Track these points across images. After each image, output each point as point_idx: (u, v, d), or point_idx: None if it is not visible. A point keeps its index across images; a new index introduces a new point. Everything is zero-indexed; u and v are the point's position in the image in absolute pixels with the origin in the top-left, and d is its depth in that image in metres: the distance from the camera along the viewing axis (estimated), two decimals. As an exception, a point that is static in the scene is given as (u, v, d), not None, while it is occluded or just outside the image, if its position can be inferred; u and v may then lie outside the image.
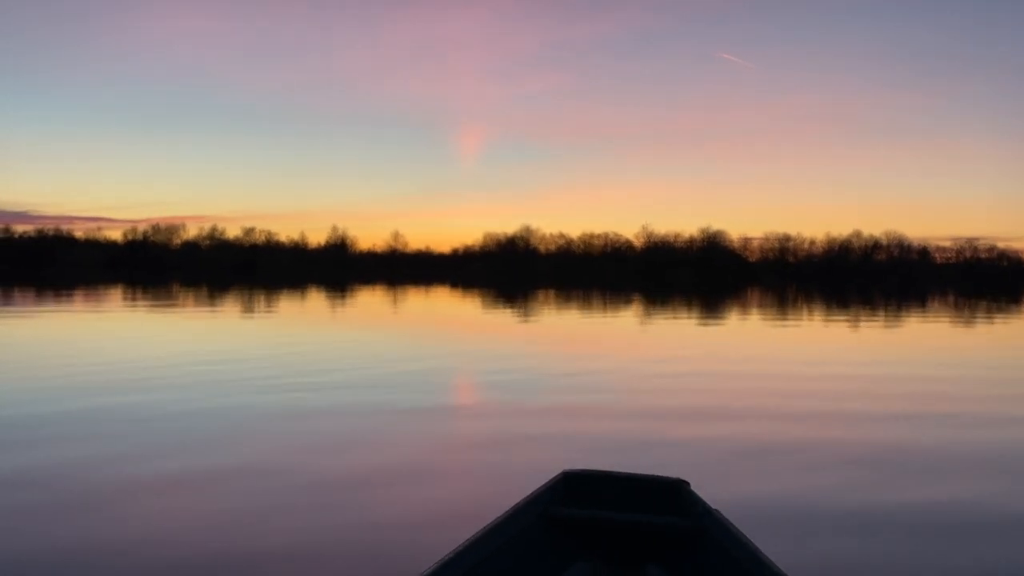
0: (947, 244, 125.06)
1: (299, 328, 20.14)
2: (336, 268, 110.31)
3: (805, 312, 32.03)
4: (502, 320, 25.06)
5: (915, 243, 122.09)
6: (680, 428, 7.63)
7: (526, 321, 24.29)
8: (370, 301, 36.18)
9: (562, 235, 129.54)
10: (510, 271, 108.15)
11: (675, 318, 26.75)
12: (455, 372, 12.07)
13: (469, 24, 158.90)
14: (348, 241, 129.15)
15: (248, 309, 27.83)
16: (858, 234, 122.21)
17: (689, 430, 7.53)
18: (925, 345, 18.11)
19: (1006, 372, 12.95)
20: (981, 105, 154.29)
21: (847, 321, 26.35)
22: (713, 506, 3.57)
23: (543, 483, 3.90)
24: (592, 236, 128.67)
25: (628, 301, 39.39)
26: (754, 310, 33.10)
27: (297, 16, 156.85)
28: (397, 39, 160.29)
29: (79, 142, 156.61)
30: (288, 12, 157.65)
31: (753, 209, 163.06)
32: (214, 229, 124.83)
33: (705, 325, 23.81)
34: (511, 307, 32.58)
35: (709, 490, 4.26)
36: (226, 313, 25.56)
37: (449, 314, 28.30)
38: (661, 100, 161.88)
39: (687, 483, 3.88)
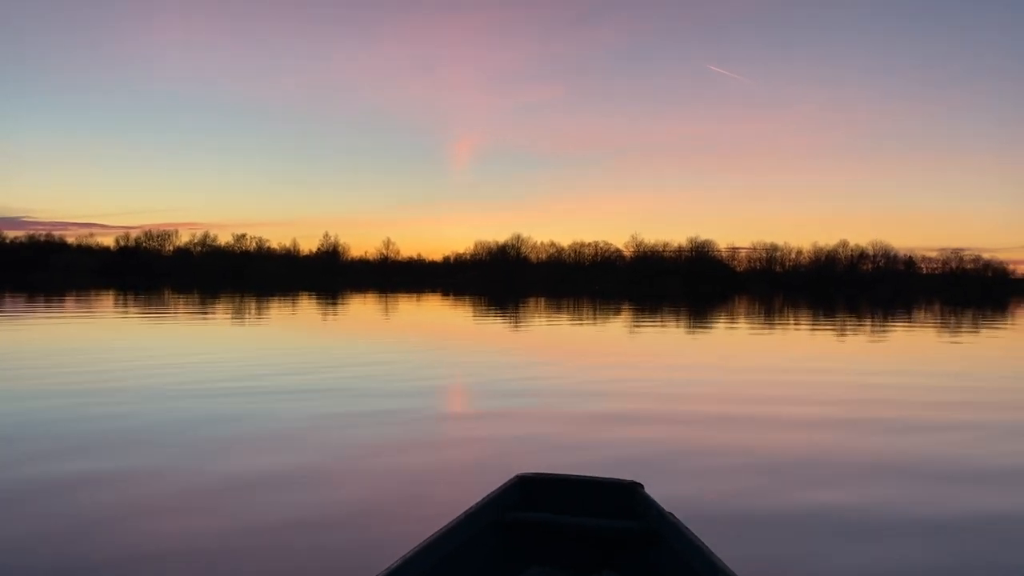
0: (933, 254, 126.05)
1: (277, 334, 20.38)
2: (327, 275, 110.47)
3: (790, 321, 32.44)
4: (485, 327, 25.37)
5: (901, 253, 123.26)
6: (638, 430, 7.81)
7: (509, 328, 24.62)
8: (357, 309, 36.47)
9: (553, 244, 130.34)
10: (501, 279, 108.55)
11: (658, 326, 27.12)
12: (420, 376, 12.11)
13: (462, 35, 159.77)
14: (340, 248, 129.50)
15: (233, 316, 28.12)
16: (844, 244, 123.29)
17: (648, 432, 7.73)
18: (904, 354, 18.55)
19: (973, 380, 13.39)
20: (968, 117, 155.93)
21: (831, 330, 26.75)
22: (667, 508, 3.58)
23: (497, 487, 3.86)
24: (582, 245, 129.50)
25: (616, 309, 39.81)
26: (739, 319, 33.49)
27: (291, 26, 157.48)
28: (390, 49, 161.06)
29: (72, 148, 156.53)
30: (282, 22, 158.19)
31: (741, 219, 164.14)
32: (206, 236, 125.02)
33: (688, 333, 24.18)
34: (498, 315, 32.92)
35: (670, 490, 4.35)
36: (205, 320, 25.83)
37: (430, 321, 28.60)
38: (651, 112, 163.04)
39: (641, 485, 3.88)
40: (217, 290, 57.71)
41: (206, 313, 28.96)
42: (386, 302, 44.23)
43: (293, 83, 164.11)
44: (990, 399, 10.62)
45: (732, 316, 35.23)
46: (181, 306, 33.92)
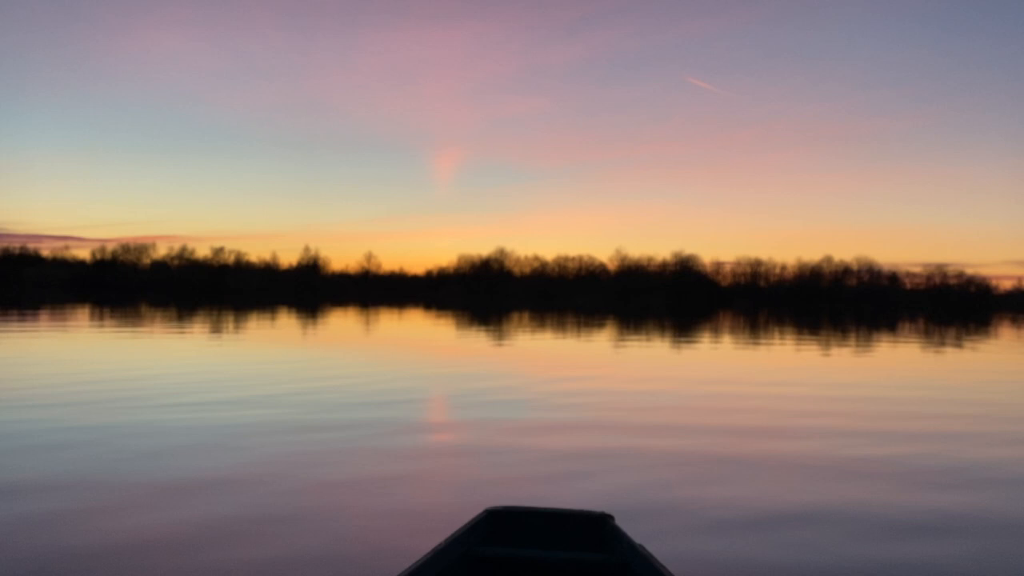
0: (917, 270, 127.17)
1: (241, 351, 19.75)
2: (307, 289, 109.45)
3: (773, 337, 32.14)
4: (461, 343, 24.84)
5: (885, 268, 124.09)
6: (608, 450, 7.56)
7: (486, 344, 24.10)
8: (333, 324, 35.76)
9: (537, 258, 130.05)
10: (484, 293, 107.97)
11: (639, 342, 26.71)
12: (382, 396, 11.65)
13: (446, 48, 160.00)
14: (320, 262, 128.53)
15: (204, 331, 27.33)
16: (829, 259, 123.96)
17: (617, 453, 7.45)
18: (883, 370, 18.20)
19: (940, 393, 12.97)
20: (951, 133, 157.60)
21: (812, 347, 26.44)
22: (637, 540, 3.50)
23: (466, 521, 3.83)
24: (566, 259, 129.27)
25: (600, 324, 39.34)
26: (724, 334, 33.18)
27: (273, 37, 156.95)
28: (374, 61, 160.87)
29: (48, 160, 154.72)
30: (263, 34, 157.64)
31: (725, 234, 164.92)
32: (184, 249, 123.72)
33: (669, 349, 23.77)
34: (477, 330, 32.38)
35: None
36: (175, 335, 25.06)
37: (406, 336, 28.00)
38: (635, 125, 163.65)
39: (611, 517, 3.83)
40: (194, 304, 56.73)
41: (177, 328, 28.15)
42: (366, 317, 43.54)
43: (273, 95, 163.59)
44: (959, 412, 10.25)
45: (715, 332, 34.85)
46: (154, 321, 33.06)
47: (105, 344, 20.58)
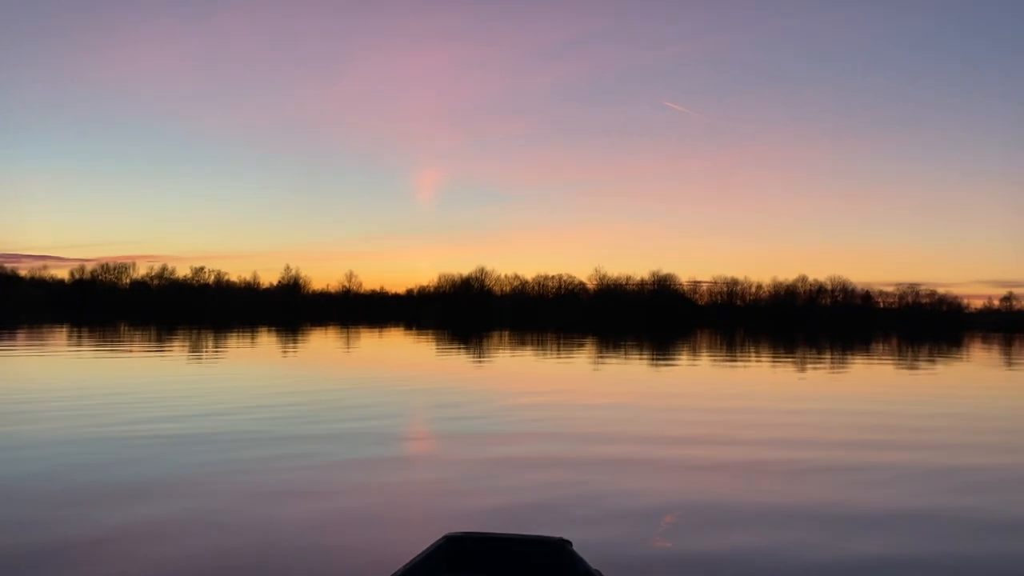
0: (890, 289, 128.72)
1: (212, 371, 19.98)
2: (288, 309, 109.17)
3: (749, 355, 32.65)
4: (437, 361, 25.15)
5: (858, 288, 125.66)
6: (568, 470, 7.77)
7: (462, 363, 24.43)
8: (312, 343, 35.94)
9: (517, 277, 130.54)
10: (465, 312, 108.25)
11: (616, 360, 27.11)
12: (347, 415, 11.76)
13: (427, 70, 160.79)
14: (301, 281, 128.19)
15: (178, 352, 27.51)
16: (803, 279, 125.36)
17: (575, 475, 7.64)
18: (853, 386, 18.72)
19: (900, 416, 13.50)
20: (922, 156, 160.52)
21: (786, 364, 26.94)
22: (593, 566, 3.53)
23: (426, 547, 3.80)
24: (546, 278, 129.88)
25: (579, 343, 39.77)
26: (700, 352, 33.63)
27: (255, 57, 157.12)
28: (355, 81, 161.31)
29: (26, 179, 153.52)
30: (246, 53, 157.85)
31: (702, 253, 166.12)
32: (164, 269, 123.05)
33: (644, 368, 24.20)
34: (456, 349, 32.66)
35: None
36: (149, 356, 25.24)
37: (383, 356, 28.28)
38: (613, 147, 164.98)
39: (569, 543, 3.86)
40: (174, 324, 56.59)
41: (154, 348, 28.29)
42: (346, 336, 43.72)
43: (255, 115, 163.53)
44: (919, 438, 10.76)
45: (692, 351, 35.37)
46: (131, 341, 33.12)
47: (76, 364, 20.75)
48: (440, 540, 3.85)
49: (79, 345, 29.55)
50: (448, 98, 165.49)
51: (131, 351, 26.48)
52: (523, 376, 19.80)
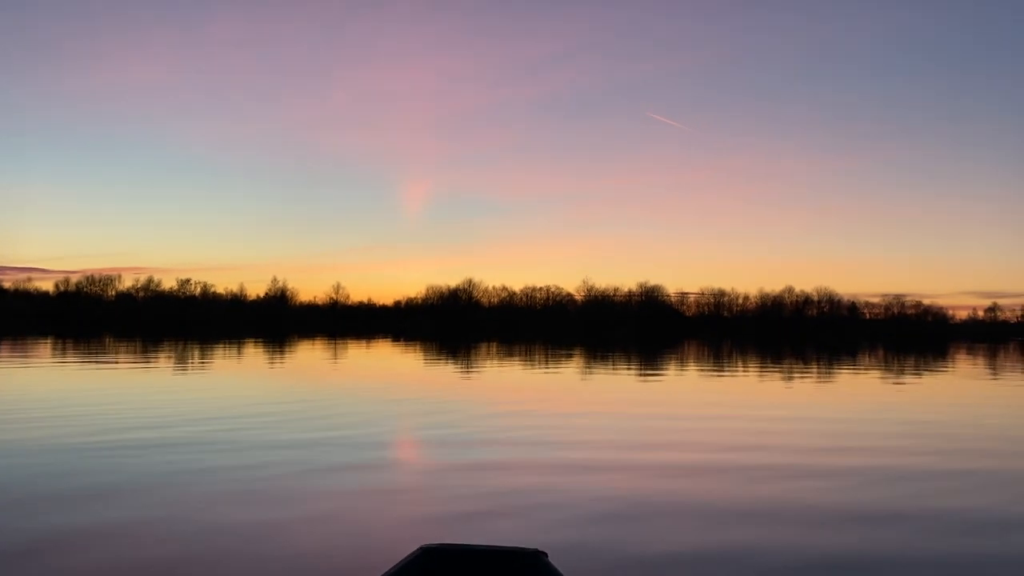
0: (876, 300, 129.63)
1: (192, 383, 19.86)
2: (275, 321, 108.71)
3: (736, 366, 32.76)
4: (422, 373, 25.11)
5: (845, 299, 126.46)
6: (544, 484, 7.73)
7: (447, 374, 24.40)
8: (297, 355, 35.79)
9: (505, 288, 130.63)
10: (453, 324, 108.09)
11: (603, 372, 27.14)
12: (319, 426, 11.64)
13: (415, 82, 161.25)
14: (288, 293, 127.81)
15: (160, 364, 27.34)
16: (790, 290, 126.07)
17: (554, 486, 7.64)
18: (836, 398, 18.82)
19: (881, 426, 13.57)
20: (905, 168, 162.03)
21: (771, 376, 27.05)
22: None
23: (400, 559, 3.72)
24: (534, 289, 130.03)
25: (567, 355, 39.79)
26: (687, 364, 33.72)
27: (242, 70, 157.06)
28: (342, 93, 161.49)
29: (9, 190, 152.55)
30: (233, 65, 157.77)
31: (689, 265, 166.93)
32: (150, 281, 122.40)
33: (630, 379, 24.23)
34: (443, 361, 32.61)
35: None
36: (129, 368, 25.07)
37: (367, 367, 28.20)
38: (600, 159, 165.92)
39: (544, 554, 3.80)
40: (160, 337, 56.23)
41: (136, 361, 28.08)
42: (333, 348, 43.55)
43: (242, 127, 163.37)
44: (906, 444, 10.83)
45: (680, 362, 35.44)
46: (115, 353, 32.88)
47: (55, 376, 20.58)
48: (416, 551, 3.73)
49: (63, 357, 29.31)
50: (435, 110, 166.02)
51: (115, 363, 26.29)
52: (507, 387, 19.79)
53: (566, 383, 21.07)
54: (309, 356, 34.00)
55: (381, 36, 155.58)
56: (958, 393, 21.29)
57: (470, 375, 23.52)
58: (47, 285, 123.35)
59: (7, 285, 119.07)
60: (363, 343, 52.51)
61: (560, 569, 3.66)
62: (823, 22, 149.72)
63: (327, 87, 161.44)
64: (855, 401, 17.94)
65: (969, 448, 10.86)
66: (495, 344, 52.84)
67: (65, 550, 5.14)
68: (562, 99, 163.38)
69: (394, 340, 60.21)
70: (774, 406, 16.23)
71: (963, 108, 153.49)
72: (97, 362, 26.81)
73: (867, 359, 41.51)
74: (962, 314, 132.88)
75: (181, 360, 28.61)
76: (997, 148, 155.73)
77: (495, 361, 32.24)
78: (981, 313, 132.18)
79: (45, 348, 36.71)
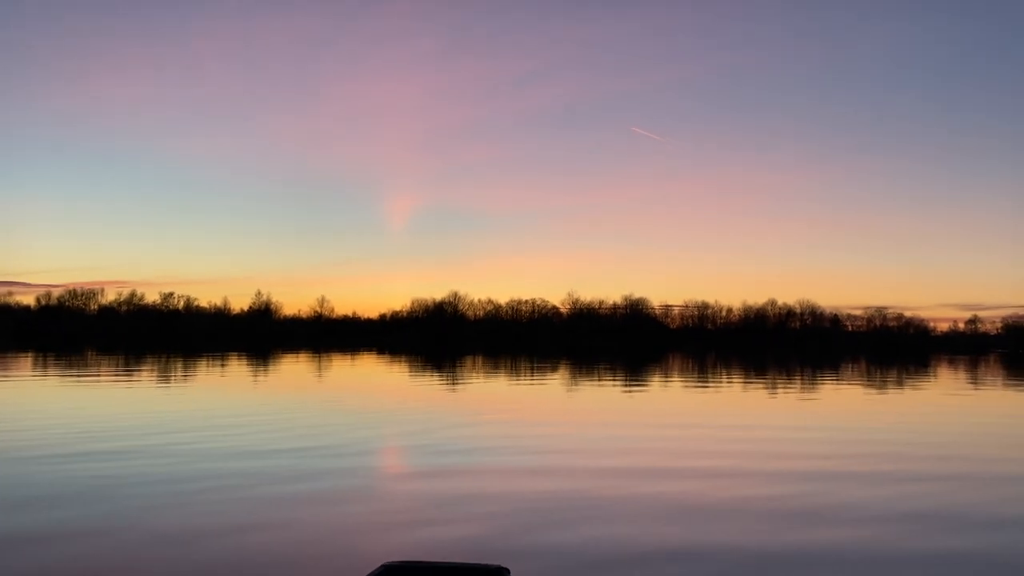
0: (858, 312, 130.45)
1: (161, 397, 19.77)
2: (259, 334, 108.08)
3: (719, 378, 32.87)
4: (400, 386, 25.05)
5: (827, 311, 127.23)
6: (509, 495, 7.77)
7: (427, 387, 24.35)
8: (279, 369, 35.62)
9: (490, 301, 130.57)
10: (438, 337, 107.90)
11: (587, 385, 27.16)
12: (287, 439, 11.61)
13: (401, 97, 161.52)
14: (272, 307, 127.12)
15: (148, 378, 27.15)
16: (773, 303, 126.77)
17: (519, 498, 7.67)
18: (809, 410, 18.96)
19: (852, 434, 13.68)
20: (888, 182, 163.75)
21: (761, 388, 27.17)
22: None
23: (363, 575, 3.80)
24: (519, 302, 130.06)
25: (553, 367, 39.79)
26: (670, 376, 33.80)
27: (226, 83, 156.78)
28: (328, 108, 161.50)
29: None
30: (219, 79, 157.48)
31: (673, 277, 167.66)
32: (132, 294, 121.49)
33: (612, 392, 24.25)
34: (425, 374, 32.54)
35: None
36: (102, 383, 24.89)
37: (346, 381, 28.10)
38: (584, 173, 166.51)
39: (507, 571, 3.87)
40: (143, 351, 55.77)
41: (117, 376, 27.86)
42: (317, 362, 43.35)
43: (226, 140, 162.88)
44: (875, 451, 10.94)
45: (664, 375, 35.53)
46: (95, 368, 32.59)
47: (33, 391, 20.40)
48: (378, 569, 3.82)
49: (43, 372, 29.03)
50: (422, 124, 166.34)
51: (95, 378, 26.06)
52: (487, 400, 19.76)
53: (548, 395, 21.11)
54: (292, 370, 33.84)
55: (367, 51, 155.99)
56: (953, 407, 21.49)
57: (454, 388, 23.48)
58: (28, 299, 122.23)
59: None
60: (348, 357, 52.30)
61: None
62: (805, 37, 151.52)
63: (312, 102, 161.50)
64: (830, 412, 18.03)
65: (934, 455, 11.04)
66: (481, 357, 52.76)
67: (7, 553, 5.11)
68: (547, 114, 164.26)
69: (379, 354, 59.99)
70: (748, 417, 16.31)
71: (945, 122, 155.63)
72: (77, 377, 26.58)
73: (849, 371, 41.78)
74: (943, 326, 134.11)
75: (162, 375, 28.41)
76: (979, 162, 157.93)
77: (480, 374, 32.20)
78: (962, 325, 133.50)
79: (25, 362, 36.35)
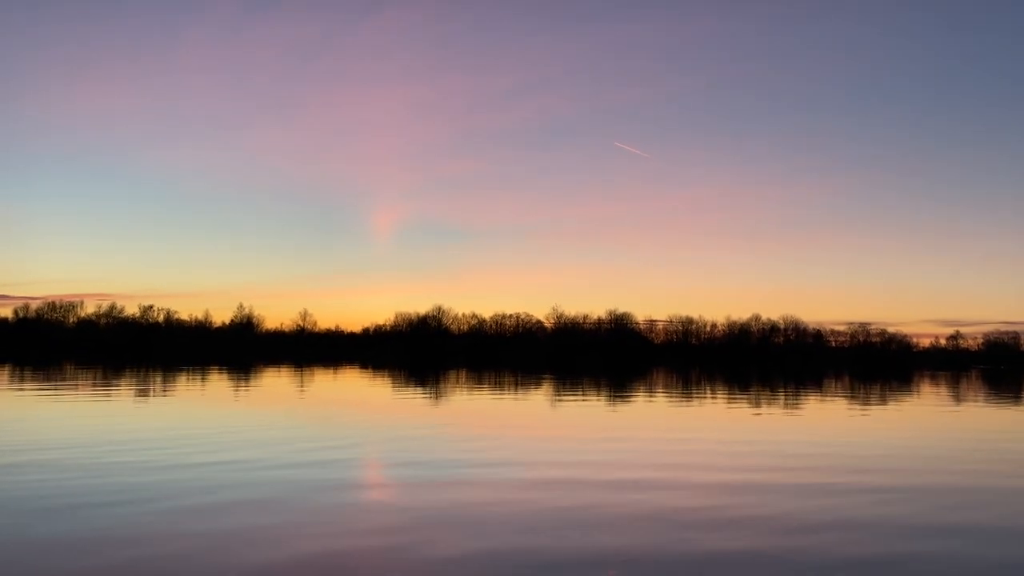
0: (841, 328, 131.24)
1: (129, 411, 19.49)
2: (241, 348, 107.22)
3: (702, 393, 32.86)
4: (379, 401, 24.85)
5: (811, 327, 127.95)
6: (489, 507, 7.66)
7: (407, 401, 24.17)
8: (262, 383, 35.25)
9: (474, 315, 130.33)
10: (422, 351, 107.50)
11: (570, 400, 27.05)
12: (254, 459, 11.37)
13: (385, 110, 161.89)
14: (254, 320, 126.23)
15: (127, 393, 26.76)
16: (757, 318, 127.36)
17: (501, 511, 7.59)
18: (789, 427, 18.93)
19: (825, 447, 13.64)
20: (871, 198, 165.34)
21: (744, 403, 27.16)
22: None
23: None
24: (504, 317, 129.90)
25: (536, 382, 39.62)
26: (654, 391, 33.73)
27: (208, 95, 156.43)
28: (312, 121, 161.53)
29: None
30: (202, 92, 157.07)
31: (657, 292, 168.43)
32: (112, 307, 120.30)
33: (594, 407, 24.16)
34: (407, 389, 32.30)
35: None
36: (72, 398, 24.51)
37: (325, 396, 27.83)
38: (568, 188, 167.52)
39: None
40: (122, 364, 55.08)
41: (92, 389, 27.43)
42: (299, 376, 42.92)
43: (209, 153, 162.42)
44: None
45: (648, 389, 35.45)
46: (72, 381, 32.11)
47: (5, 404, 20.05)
48: None
49: (19, 385, 28.54)
50: (406, 138, 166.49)
51: (72, 391, 25.64)
52: (467, 414, 19.60)
53: (530, 410, 20.97)
54: (274, 385, 33.48)
55: (352, 65, 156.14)
56: (921, 421, 21.55)
57: (436, 402, 23.29)
58: (6, 311, 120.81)
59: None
60: (330, 371, 51.87)
61: None
62: (788, 55, 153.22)
63: (296, 115, 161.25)
64: (807, 426, 18.04)
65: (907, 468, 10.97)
66: (464, 371, 52.51)
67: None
68: (530, 129, 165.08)
69: (362, 368, 59.57)
70: (725, 431, 16.30)
71: (928, 139, 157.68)
72: (53, 390, 26.13)
73: (832, 386, 41.88)
74: (925, 342, 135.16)
75: (141, 389, 28.00)
76: (962, 179, 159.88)
77: (463, 388, 32.01)
78: (944, 341, 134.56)
79: (1, 376, 35.77)
